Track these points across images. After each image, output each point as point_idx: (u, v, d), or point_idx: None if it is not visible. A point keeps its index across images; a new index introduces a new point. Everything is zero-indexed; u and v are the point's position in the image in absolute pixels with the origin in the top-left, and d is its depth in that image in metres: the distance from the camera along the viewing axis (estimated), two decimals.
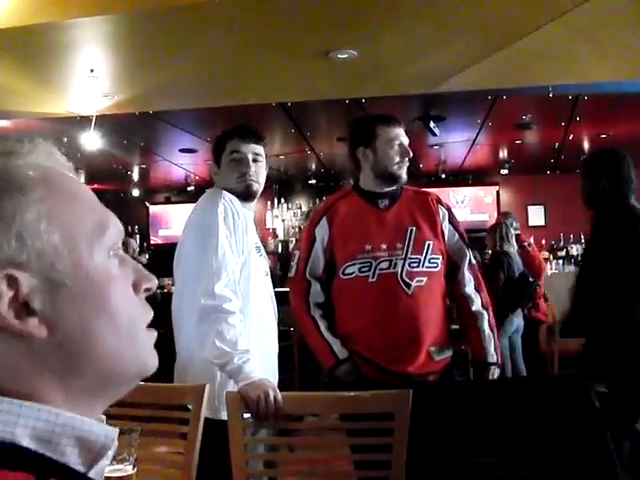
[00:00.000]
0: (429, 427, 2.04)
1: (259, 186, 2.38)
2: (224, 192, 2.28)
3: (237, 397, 1.98)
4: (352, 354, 2.46)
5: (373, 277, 2.42)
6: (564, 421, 2.00)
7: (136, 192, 9.61)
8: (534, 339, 5.96)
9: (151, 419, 2.14)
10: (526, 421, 2.00)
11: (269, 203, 9.60)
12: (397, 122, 2.55)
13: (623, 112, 6.11)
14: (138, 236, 10.13)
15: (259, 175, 2.36)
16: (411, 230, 2.47)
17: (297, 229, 9.22)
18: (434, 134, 6.27)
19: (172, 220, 9.77)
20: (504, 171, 8.54)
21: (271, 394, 1.96)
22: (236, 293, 2.12)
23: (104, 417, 0.72)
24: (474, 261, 2.61)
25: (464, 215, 9.20)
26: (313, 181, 9.26)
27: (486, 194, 9.23)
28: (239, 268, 2.20)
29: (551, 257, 8.94)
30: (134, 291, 0.72)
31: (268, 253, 9.59)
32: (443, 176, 8.75)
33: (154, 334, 0.75)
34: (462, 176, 9.17)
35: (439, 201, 2.60)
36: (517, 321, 5.33)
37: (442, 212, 2.56)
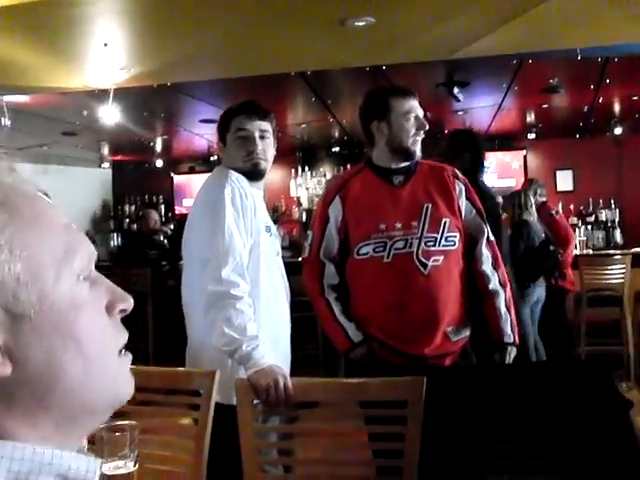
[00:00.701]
0: (445, 414, 2.00)
1: (267, 164, 2.32)
2: (231, 171, 2.23)
3: (246, 384, 1.96)
4: (367, 337, 2.41)
5: (388, 257, 2.37)
6: (587, 407, 1.94)
7: (159, 163, 9.59)
8: (560, 309, 5.88)
9: (162, 404, 2.14)
10: (547, 407, 1.95)
11: (293, 171, 9.53)
12: (412, 94, 2.47)
13: None
14: (163, 206, 10.15)
15: (267, 152, 2.31)
16: (427, 207, 2.40)
17: None
18: (458, 100, 6.11)
19: (196, 190, 9.72)
20: (531, 135, 8.34)
21: (281, 381, 1.93)
22: (244, 277, 2.08)
23: (85, 444, 0.69)
24: (492, 237, 2.54)
25: (491, 181, 9.03)
26: (337, 149, 9.15)
27: (513, 159, 9.04)
28: (248, 250, 2.16)
29: (580, 223, 8.77)
30: (108, 313, 0.68)
31: (292, 222, 9.60)
32: None
33: (128, 358, 0.71)
34: (488, 141, 8.94)
35: (455, 175, 2.52)
36: (539, 291, 5.24)
37: (459, 187, 2.49)
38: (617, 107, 7.21)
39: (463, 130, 4.08)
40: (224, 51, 5.01)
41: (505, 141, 9.05)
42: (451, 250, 2.40)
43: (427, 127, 2.45)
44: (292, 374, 2.48)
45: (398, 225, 2.38)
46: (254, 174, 2.29)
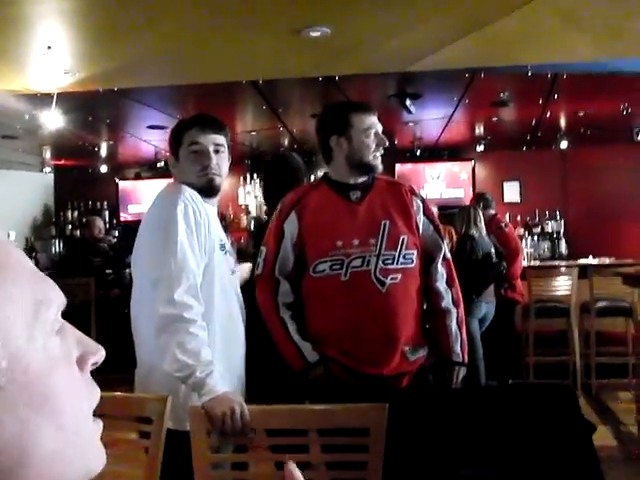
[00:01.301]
0: (407, 439, 1.94)
1: (221, 179, 2.23)
2: (184, 187, 2.13)
3: (200, 412, 1.86)
4: (323, 357, 2.35)
5: (345, 275, 2.31)
6: (551, 430, 1.91)
7: (104, 168, 9.34)
8: (510, 320, 5.94)
9: (109, 430, 2.03)
10: (512, 431, 1.91)
11: (241, 179, 9.41)
12: (372, 110, 2.44)
13: (602, 90, 6.01)
14: (107, 212, 9.90)
15: (221, 168, 2.21)
16: (385, 224, 2.36)
17: None
18: (410, 112, 6.12)
19: (142, 196, 9.52)
20: (480, 147, 8.42)
21: (237, 409, 1.84)
22: (198, 298, 1.98)
23: None
24: (448, 255, 2.52)
25: (439, 191, 9.11)
26: None
27: (461, 170, 9.12)
28: (202, 270, 2.06)
29: (526, 234, 8.90)
30: (80, 368, 0.59)
31: (240, 230, 9.48)
32: (418, 152, 8.62)
33: (99, 426, 0.62)
34: (437, 152, 9.05)
35: (413, 192, 2.49)
36: (487, 307, 5.29)
37: (416, 204, 2.46)
38: (563, 122, 7.35)
39: (277, 156, 3.85)
40: (174, 57, 4.89)
41: (454, 152, 9.14)
42: (409, 268, 2.36)
43: (387, 143, 2.42)
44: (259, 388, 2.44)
45: (355, 242, 2.33)
46: (209, 190, 2.19)
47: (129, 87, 5.51)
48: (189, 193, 2.10)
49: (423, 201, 2.50)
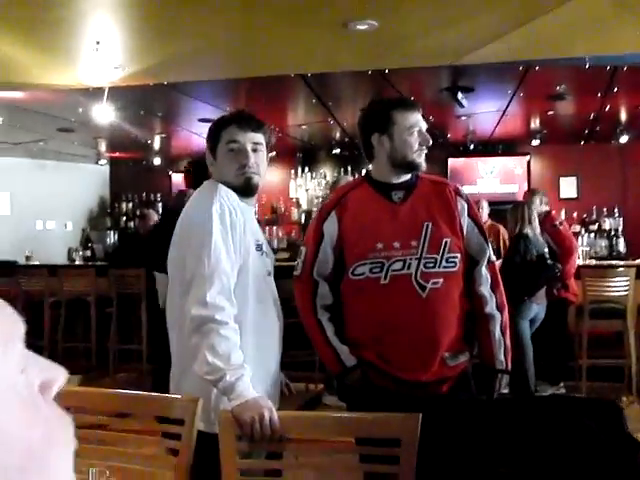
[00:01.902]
0: (441, 448, 1.88)
1: (260, 178, 2.18)
2: (220, 186, 2.09)
3: (229, 416, 1.83)
4: (361, 361, 2.29)
5: (385, 279, 2.23)
6: (595, 447, 1.82)
7: (157, 161, 9.47)
8: (563, 320, 5.77)
9: (141, 432, 2.03)
10: (553, 446, 1.83)
11: (292, 172, 9.41)
12: (416, 106, 2.35)
13: None
14: (160, 205, 10.03)
15: (260, 166, 2.16)
16: (427, 226, 2.27)
17: (320, 199, 9.02)
18: (462, 106, 5.98)
19: None
20: (535, 142, 8.20)
21: (267, 415, 1.80)
22: (231, 300, 1.95)
23: None
24: (493, 258, 2.42)
25: (493, 186, 8.93)
26: (337, 150, 9.00)
27: (516, 165, 8.91)
28: (236, 271, 2.02)
29: (583, 231, 8.65)
30: (42, 395, 0.55)
31: (291, 223, 9.48)
32: (472, 146, 8.45)
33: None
34: (491, 146, 8.84)
35: (458, 192, 2.38)
36: (538, 308, 5.13)
37: (461, 205, 2.35)
38: (623, 115, 7.08)
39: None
40: (223, 51, 4.90)
41: (509, 146, 8.92)
42: (452, 272, 2.27)
43: (430, 142, 2.32)
44: (290, 379, 2.38)
45: (396, 245, 2.24)
46: (246, 189, 2.15)
47: (179, 81, 5.55)
48: (225, 192, 2.07)
49: (468, 202, 2.39)
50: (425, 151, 2.33)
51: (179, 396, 2.00)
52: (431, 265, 2.24)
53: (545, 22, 4.18)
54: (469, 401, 2.27)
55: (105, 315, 6.67)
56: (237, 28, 4.39)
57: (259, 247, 2.14)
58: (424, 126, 2.32)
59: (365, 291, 2.27)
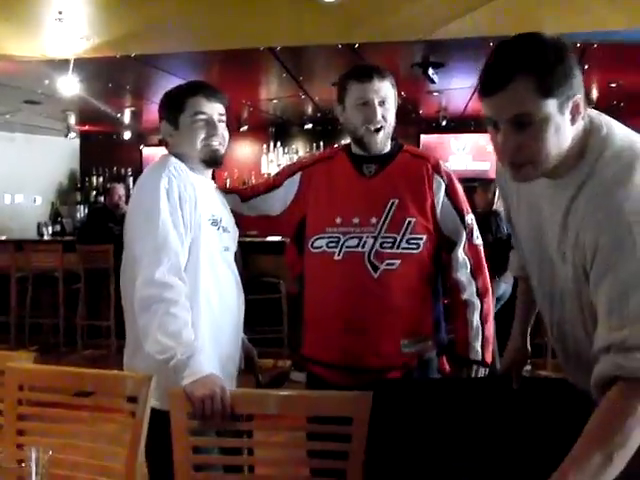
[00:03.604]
0: (392, 432, 1.86)
1: (224, 149, 2.13)
2: (171, 161, 2.04)
3: (181, 393, 1.81)
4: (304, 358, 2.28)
5: (339, 255, 2.14)
6: (564, 429, 1.82)
7: (128, 135, 9.34)
8: None
9: (93, 408, 2.00)
10: (514, 428, 1.82)
11: (264, 147, 9.34)
12: (369, 76, 2.14)
13: (634, 61, 5.77)
14: (132, 179, 9.92)
15: (225, 137, 2.13)
16: (392, 203, 2.14)
17: None
18: (432, 81, 5.95)
19: None
20: None
21: (218, 392, 1.78)
22: (181, 278, 1.91)
23: None
24: (477, 241, 2.24)
25: (465, 163, 8.95)
26: (309, 125, 8.96)
27: (488, 142, 8.85)
28: (187, 248, 1.98)
29: None
30: None
31: None
32: (444, 123, 8.43)
33: None
34: (464, 123, 8.84)
35: (437, 169, 2.20)
36: (505, 287, 5.14)
37: (437, 183, 2.18)
38: (595, 93, 7.11)
39: None
40: (191, 23, 4.82)
41: (481, 123, 8.83)
42: (412, 254, 2.13)
43: (376, 118, 2.13)
44: (258, 356, 2.35)
45: (355, 220, 2.14)
46: (212, 161, 2.11)
47: (146, 53, 5.44)
48: (175, 166, 2.01)
49: (449, 179, 2.22)
50: (380, 128, 2.15)
51: (132, 374, 1.98)
52: (388, 245, 2.12)
53: None
54: (425, 380, 2.21)
55: (73, 291, 6.61)
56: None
57: (215, 222, 2.09)
58: (377, 98, 2.13)
59: (320, 266, 2.20)
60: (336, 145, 3.03)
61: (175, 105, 2.10)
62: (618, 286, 1.25)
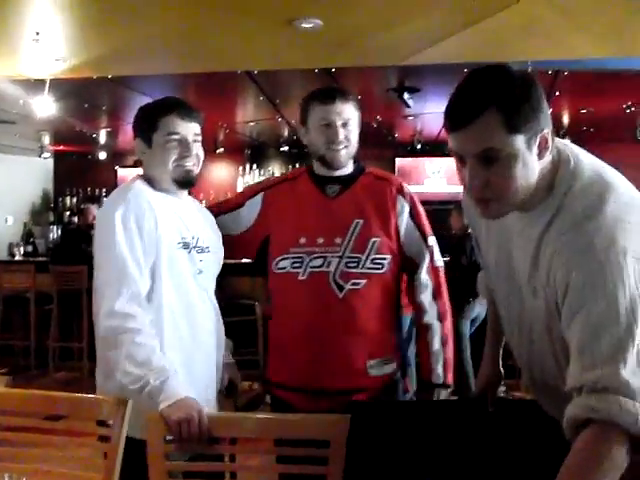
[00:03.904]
0: (368, 454, 1.87)
1: (198, 170, 2.10)
2: (132, 188, 2.01)
3: (158, 419, 1.80)
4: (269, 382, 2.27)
5: (303, 275, 2.13)
6: (533, 451, 1.84)
7: (103, 155, 9.30)
8: None
9: (66, 433, 1.98)
10: (486, 451, 1.83)
11: (240, 169, 9.36)
12: (332, 98, 2.15)
13: (604, 88, 5.91)
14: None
15: (199, 158, 2.08)
16: (356, 224, 2.15)
17: None
18: (408, 106, 6.03)
19: None
20: None
21: (195, 416, 1.77)
22: (143, 305, 1.89)
23: None
24: (439, 263, 2.27)
25: (440, 186, 9.03)
26: (286, 147, 9.00)
27: None
28: (147, 275, 1.94)
29: None
30: None
31: None
32: (419, 146, 8.52)
33: None
34: (438, 146, 8.94)
35: (400, 191, 2.24)
36: (480, 308, 5.18)
37: (401, 204, 2.21)
38: (566, 119, 7.24)
39: None
40: (168, 45, 4.82)
41: None
42: (376, 274, 2.14)
43: (338, 140, 2.15)
44: None
45: (320, 240, 2.14)
46: (185, 181, 2.07)
47: (123, 75, 5.44)
48: (134, 193, 1.98)
49: (412, 201, 2.25)
50: (341, 148, 2.17)
51: (107, 397, 1.95)
52: (353, 265, 2.12)
53: (490, 25, 4.24)
54: (395, 404, 2.20)
55: (45, 312, 6.53)
56: (183, 23, 4.32)
57: (186, 245, 2.04)
58: (340, 120, 2.16)
59: (285, 286, 2.19)
60: (297, 166, 3.04)
61: (149, 123, 2.06)
62: (589, 326, 1.23)
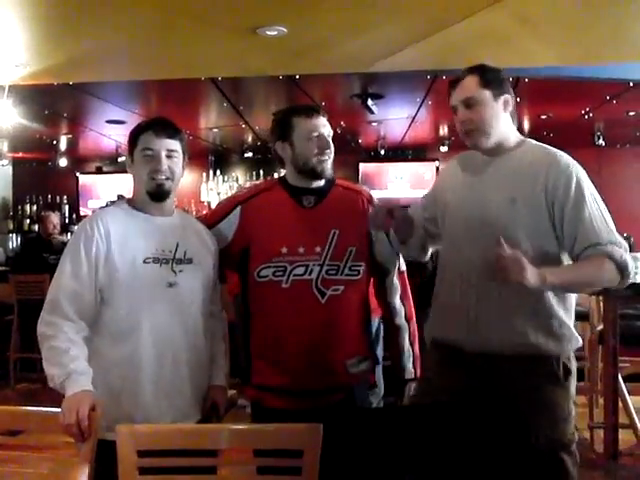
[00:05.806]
0: (342, 461, 1.88)
1: (172, 184, 2.21)
2: (107, 210, 2.26)
3: (129, 430, 1.77)
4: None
5: (287, 283, 2.26)
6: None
7: (64, 162, 9.15)
8: None
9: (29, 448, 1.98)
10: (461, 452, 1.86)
11: (204, 175, 9.30)
12: (316, 112, 2.33)
13: (563, 95, 6.04)
14: (67, 207, 9.72)
15: (174, 172, 2.20)
16: (334, 233, 2.29)
17: None
18: (372, 112, 6.07)
19: (103, 191, 9.36)
20: (444, 148, 8.42)
21: (73, 409, 1.86)
22: (68, 316, 2.05)
23: None
24: (404, 268, 2.48)
25: (404, 191, 9.09)
26: (249, 154, 8.99)
27: (426, 170, 9.11)
28: (94, 289, 2.10)
29: None
30: None
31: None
32: (383, 152, 8.58)
33: None
34: (402, 152, 9.03)
35: (371, 202, 2.42)
36: None
37: None
38: (526, 124, 7.37)
39: None
40: (131, 52, 4.78)
41: (419, 152, 9.14)
42: (353, 280, 2.31)
43: (331, 147, 2.31)
44: None
45: (301, 250, 2.26)
46: (157, 194, 2.19)
47: (85, 81, 5.38)
48: (99, 216, 2.17)
49: None
50: (328, 158, 2.31)
51: None
52: (333, 272, 2.28)
53: (452, 33, 4.30)
54: (372, 409, 2.29)
55: (5, 323, 6.39)
56: (145, 29, 4.30)
57: (156, 259, 2.14)
58: (326, 131, 2.32)
59: (267, 294, 2.29)
60: (269, 178, 3.07)
61: (132, 140, 2.24)
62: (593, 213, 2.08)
